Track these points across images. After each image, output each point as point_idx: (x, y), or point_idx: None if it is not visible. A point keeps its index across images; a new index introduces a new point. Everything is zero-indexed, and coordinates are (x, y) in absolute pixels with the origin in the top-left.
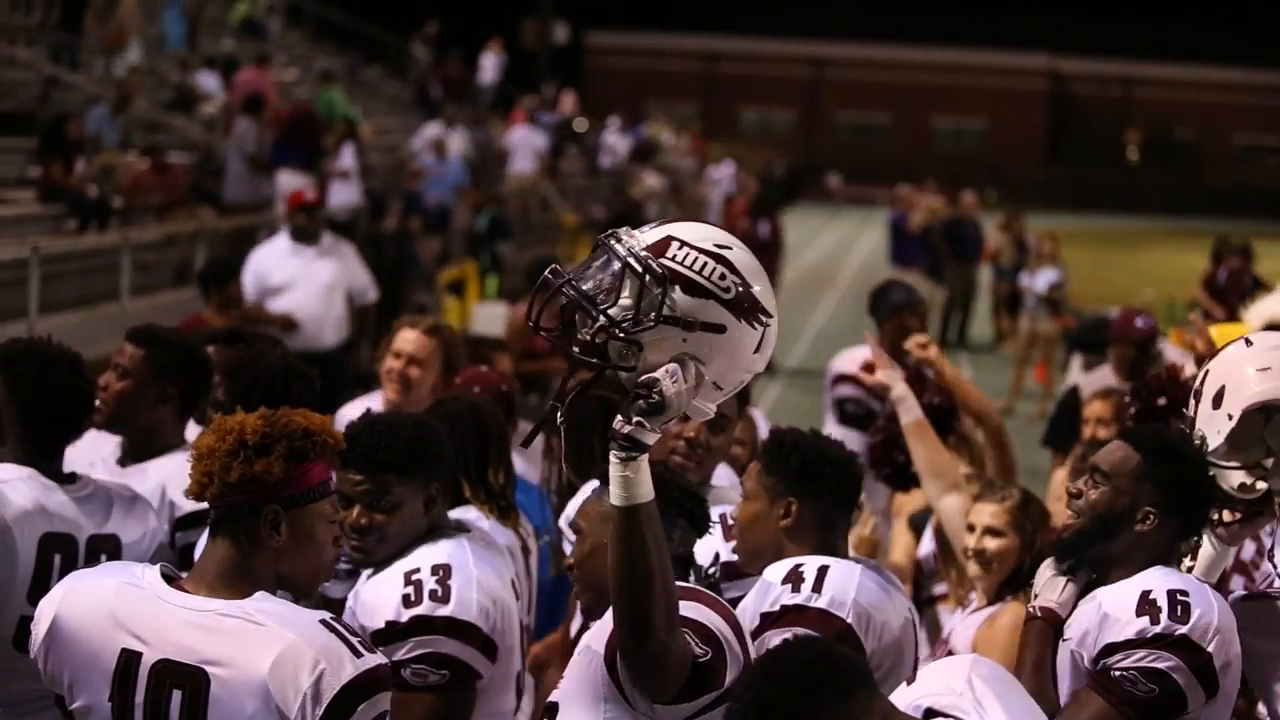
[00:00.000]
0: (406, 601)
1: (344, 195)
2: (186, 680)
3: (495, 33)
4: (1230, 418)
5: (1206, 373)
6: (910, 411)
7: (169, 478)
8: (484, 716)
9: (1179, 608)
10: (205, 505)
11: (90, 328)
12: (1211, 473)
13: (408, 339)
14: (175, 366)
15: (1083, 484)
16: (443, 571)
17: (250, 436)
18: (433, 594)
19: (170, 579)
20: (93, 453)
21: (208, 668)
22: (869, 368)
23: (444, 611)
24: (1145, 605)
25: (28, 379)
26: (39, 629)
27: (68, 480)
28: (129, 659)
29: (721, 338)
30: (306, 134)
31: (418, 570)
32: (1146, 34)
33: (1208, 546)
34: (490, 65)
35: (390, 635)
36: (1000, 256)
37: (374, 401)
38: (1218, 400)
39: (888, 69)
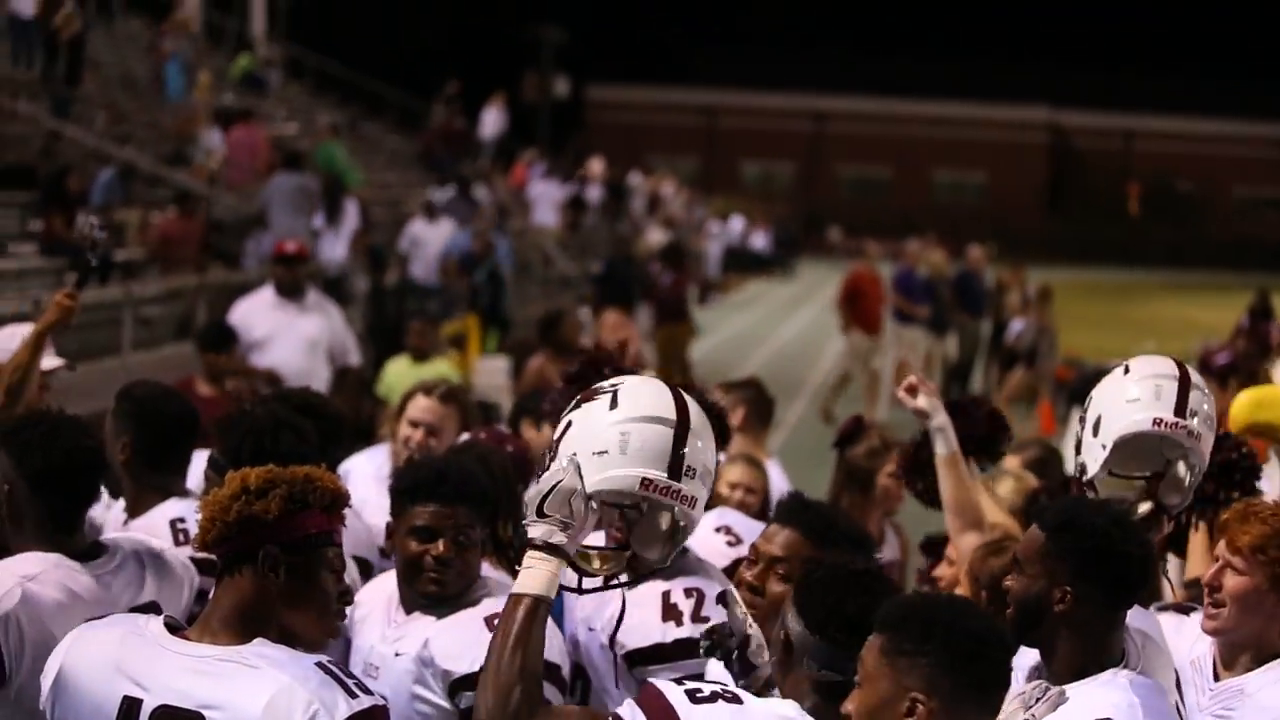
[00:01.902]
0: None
1: (331, 251)
2: None
3: (498, 87)
4: (1104, 448)
5: (1091, 399)
6: (947, 444)
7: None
8: None
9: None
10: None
11: (92, 382)
12: (1098, 496)
13: (423, 407)
14: (132, 418)
15: (1010, 579)
16: None
17: (252, 481)
18: None
19: (174, 629)
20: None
21: (205, 711)
22: (911, 389)
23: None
24: None
25: (33, 447)
26: (47, 680)
27: (93, 553)
28: (130, 705)
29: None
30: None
31: (498, 615)
32: (1147, 87)
33: None
34: (492, 120)
35: None
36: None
37: (381, 455)
38: (1096, 429)
39: (888, 122)
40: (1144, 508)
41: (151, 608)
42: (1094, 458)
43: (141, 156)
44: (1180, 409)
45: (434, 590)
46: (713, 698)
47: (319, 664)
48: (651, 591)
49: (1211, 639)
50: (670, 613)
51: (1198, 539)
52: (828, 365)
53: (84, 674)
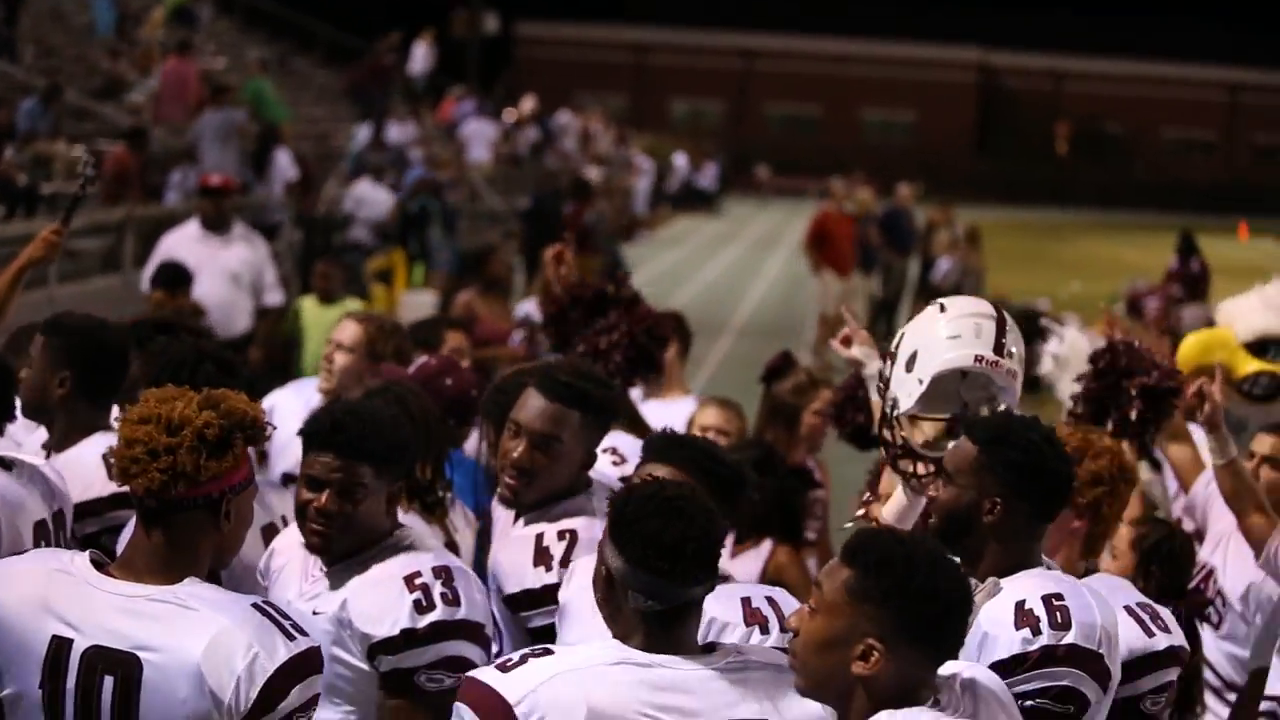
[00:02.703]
0: (419, 608)
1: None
2: (118, 666)
3: (427, 23)
4: (920, 382)
5: (903, 335)
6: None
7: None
8: None
9: (1058, 614)
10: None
11: (19, 315)
12: (903, 431)
13: (343, 327)
14: (71, 352)
15: (937, 487)
16: (445, 574)
17: (209, 431)
18: (444, 597)
19: (99, 565)
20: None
21: (140, 653)
22: (846, 340)
23: (460, 615)
24: (1022, 616)
25: None
26: None
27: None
28: (59, 646)
29: None
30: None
31: (419, 574)
32: (1078, 28)
33: (900, 496)
34: (421, 55)
35: (411, 643)
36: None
37: (308, 388)
38: (910, 364)
39: (818, 61)
40: (951, 445)
41: (59, 517)
42: (907, 392)
43: (70, 91)
44: (999, 348)
45: (315, 542)
46: (522, 660)
47: (255, 605)
48: (528, 533)
49: None
50: (541, 557)
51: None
52: (753, 304)
53: (8, 612)
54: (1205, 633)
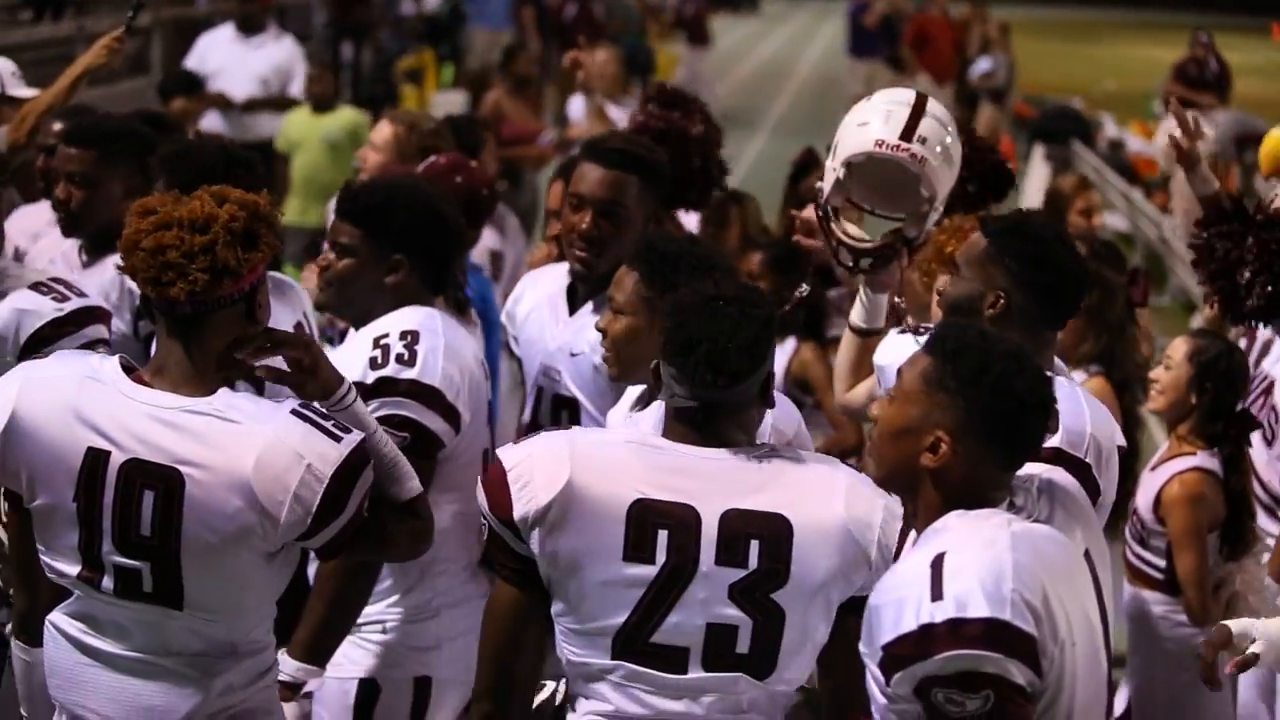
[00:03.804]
0: (373, 364)
1: None
2: (159, 481)
3: None
4: (834, 170)
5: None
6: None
7: None
8: (449, 490)
9: None
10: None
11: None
12: (834, 223)
13: (377, 128)
14: (130, 157)
15: (946, 280)
16: (410, 337)
17: (235, 224)
18: (399, 357)
19: (129, 370)
20: (54, 249)
21: (181, 468)
22: (809, 232)
23: (408, 375)
24: None
25: None
26: None
27: None
28: (95, 458)
29: None
30: None
31: (386, 335)
32: None
33: (864, 297)
34: None
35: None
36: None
37: None
38: (833, 154)
39: None
40: (882, 236)
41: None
42: (828, 181)
43: None
44: (908, 134)
45: (322, 299)
46: (537, 433)
47: (294, 411)
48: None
49: None
50: None
51: None
52: (786, 102)
53: (41, 421)
54: (1258, 448)
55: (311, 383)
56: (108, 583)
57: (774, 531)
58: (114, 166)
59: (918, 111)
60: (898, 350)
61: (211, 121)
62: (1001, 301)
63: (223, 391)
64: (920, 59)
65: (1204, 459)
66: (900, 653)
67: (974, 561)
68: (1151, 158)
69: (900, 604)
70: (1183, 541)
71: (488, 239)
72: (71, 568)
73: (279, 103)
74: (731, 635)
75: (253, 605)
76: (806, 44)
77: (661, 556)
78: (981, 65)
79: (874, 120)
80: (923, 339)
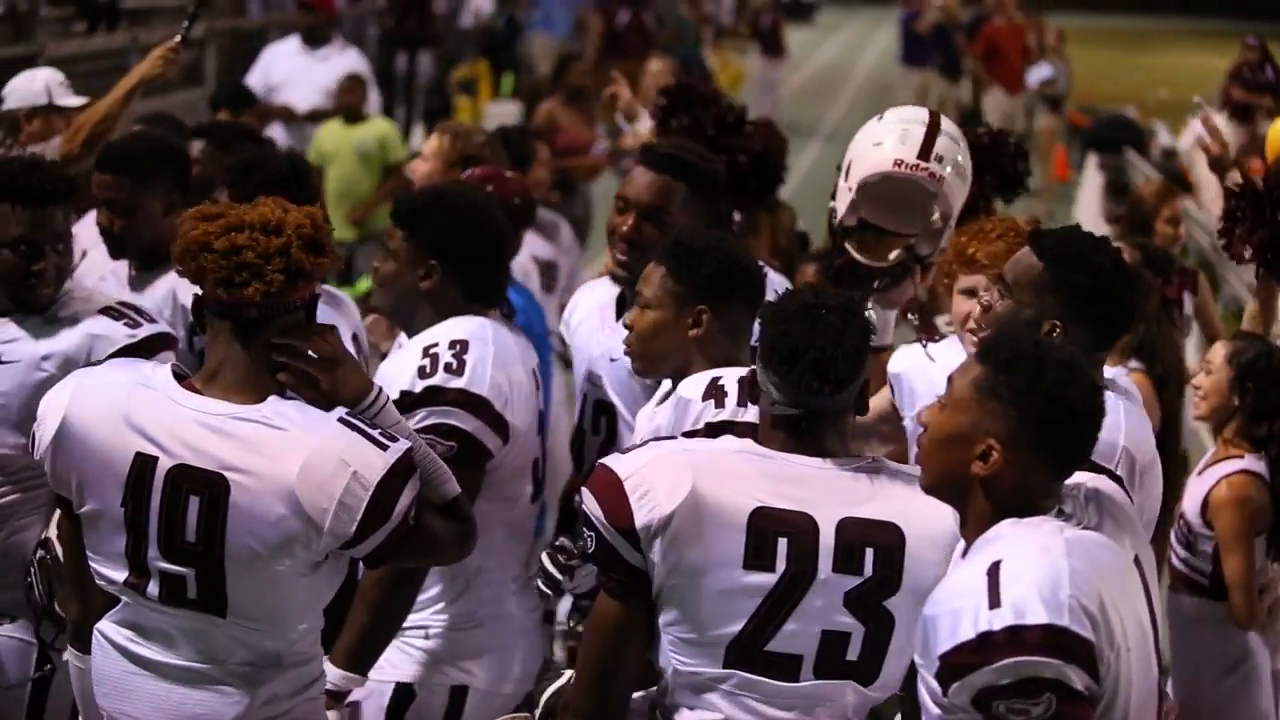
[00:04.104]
0: (421, 372)
1: None
2: (205, 486)
3: None
4: (850, 190)
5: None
6: None
7: (178, 283)
8: (497, 500)
9: None
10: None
11: None
12: (847, 242)
13: (429, 140)
14: (165, 174)
15: (994, 295)
16: (459, 346)
17: (304, 231)
18: (447, 366)
19: (180, 378)
20: (103, 266)
21: (227, 474)
22: None
23: (456, 384)
24: None
25: None
26: (46, 428)
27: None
28: (144, 463)
29: None
30: None
31: (436, 344)
32: None
33: (872, 314)
34: None
35: (403, 405)
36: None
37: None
38: (846, 173)
39: None
40: (894, 255)
41: None
42: (842, 201)
43: None
44: (925, 153)
45: (379, 303)
46: (644, 444)
47: (342, 419)
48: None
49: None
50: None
51: None
52: (842, 110)
53: (92, 426)
54: None
55: (329, 398)
56: (153, 589)
57: (887, 540)
58: (150, 187)
59: (933, 130)
60: (910, 358)
61: (275, 133)
62: (1058, 331)
63: (273, 399)
64: (989, 70)
65: (1251, 462)
66: (958, 662)
67: (1031, 568)
68: None
69: (957, 613)
70: (1231, 544)
71: (541, 249)
72: (119, 573)
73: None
74: (844, 643)
75: (297, 615)
76: (861, 52)
77: (781, 564)
78: (1041, 72)
79: (889, 139)
80: (934, 348)
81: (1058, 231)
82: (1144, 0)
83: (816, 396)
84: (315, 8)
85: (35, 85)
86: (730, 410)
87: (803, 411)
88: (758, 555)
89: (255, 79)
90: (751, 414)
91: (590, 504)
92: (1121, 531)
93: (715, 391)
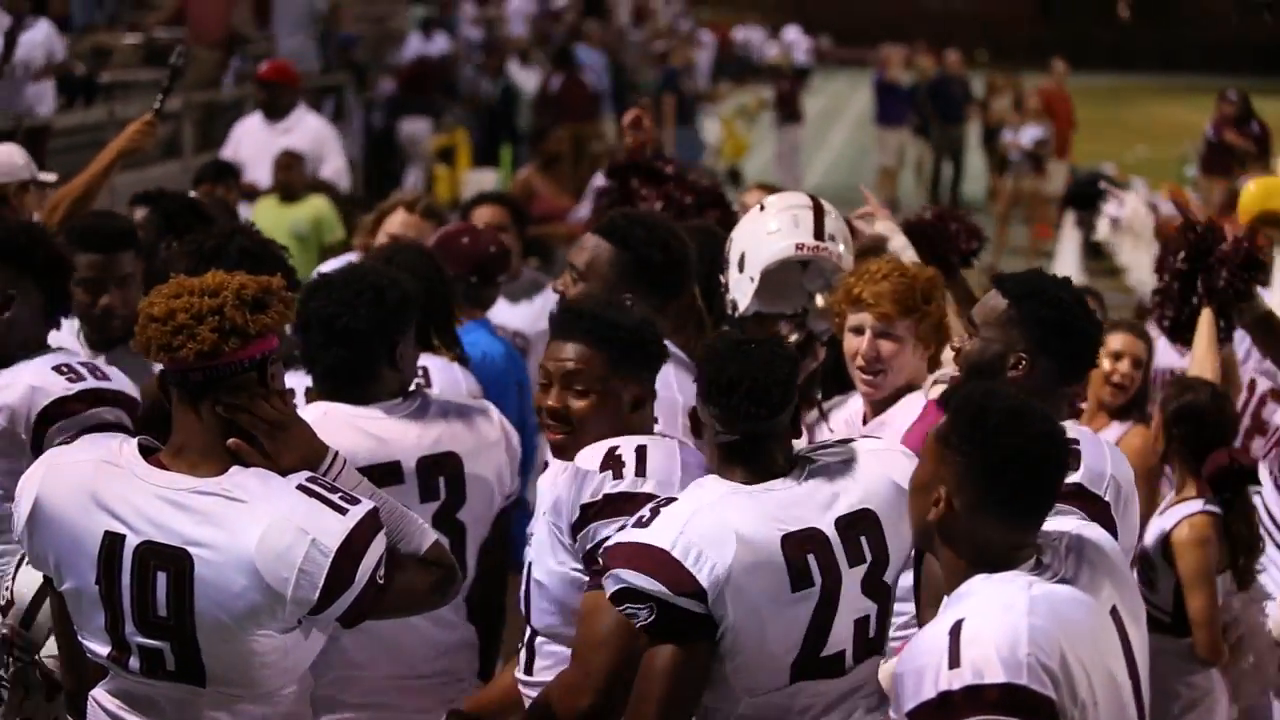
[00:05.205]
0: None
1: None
2: (170, 562)
3: None
4: (752, 280)
5: (732, 238)
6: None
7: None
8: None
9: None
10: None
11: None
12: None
13: (401, 222)
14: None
15: (963, 339)
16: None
17: (246, 291)
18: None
19: (148, 452)
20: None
21: (190, 549)
22: (866, 215)
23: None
24: None
25: None
26: (21, 509)
27: None
28: (112, 541)
29: None
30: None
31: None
32: None
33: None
34: None
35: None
36: (997, 119)
37: None
38: (741, 265)
39: None
40: (794, 337)
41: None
42: (743, 292)
43: None
44: (819, 233)
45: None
46: (653, 513)
47: (301, 486)
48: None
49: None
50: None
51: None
52: (818, 175)
53: (61, 506)
54: (1269, 491)
55: (282, 463)
56: (134, 662)
57: (870, 524)
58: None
59: (819, 211)
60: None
61: (243, 211)
62: (1024, 363)
63: (234, 469)
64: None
65: (1209, 504)
66: None
67: (990, 628)
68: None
69: (921, 672)
70: (1194, 583)
71: (511, 316)
72: (103, 648)
73: (312, 187)
74: (867, 625)
75: (278, 679)
76: (836, 117)
77: (818, 578)
78: (1031, 133)
79: (784, 226)
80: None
81: (1020, 273)
82: (1121, 57)
83: (755, 421)
84: (274, 83)
85: (16, 159)
86: (629, 481)
87: (744, 436)
88: (799, 577)
89: (227, 155)
90: (650, 484)
91: (644, 581)
92: (1101, 580)
93: (612, 462)
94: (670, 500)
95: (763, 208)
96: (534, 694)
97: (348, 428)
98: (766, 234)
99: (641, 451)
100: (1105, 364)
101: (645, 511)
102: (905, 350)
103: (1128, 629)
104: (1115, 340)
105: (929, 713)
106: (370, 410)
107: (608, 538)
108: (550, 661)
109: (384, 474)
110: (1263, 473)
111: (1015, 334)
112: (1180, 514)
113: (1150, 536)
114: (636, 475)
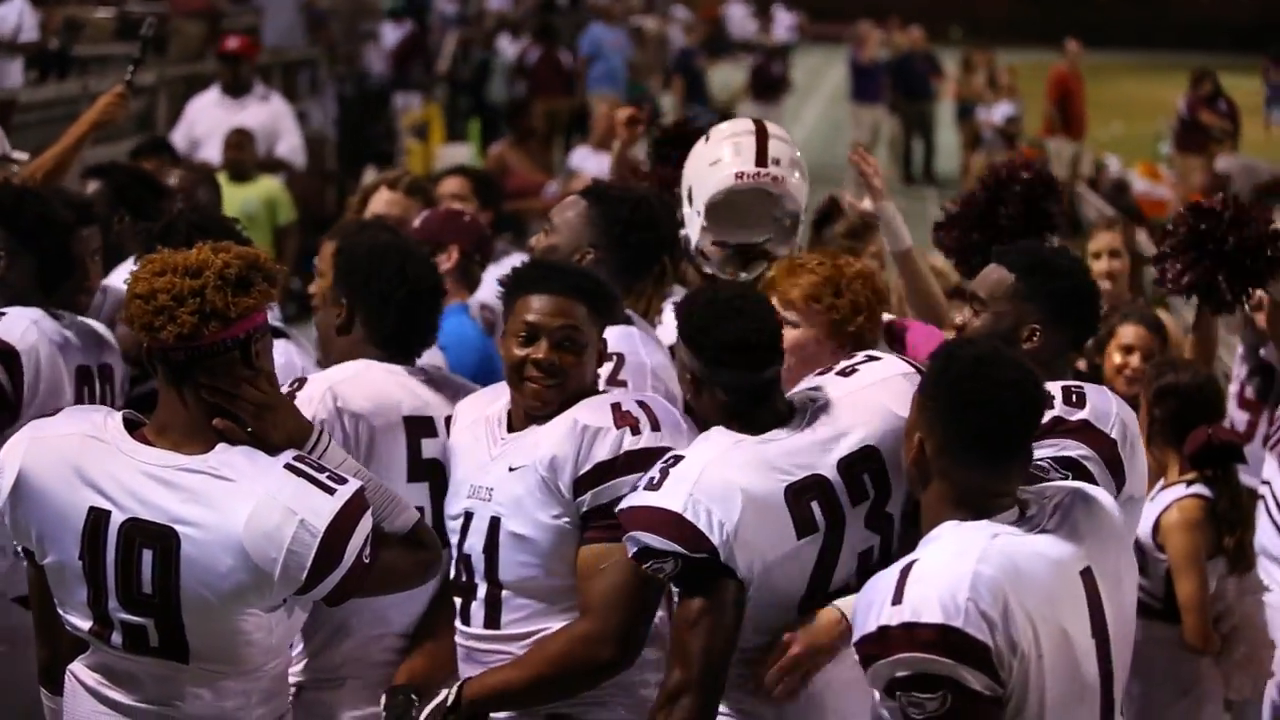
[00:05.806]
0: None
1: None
2: (156, 540)
3: None
4: (699, 214)
5: (683, 174)
6: (898, 239)
7: None
8: None
9: (1074, 396)
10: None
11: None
12: (708, 269)
13: (386, 200)
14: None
15: (966, 314)
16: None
17: (229, 271)
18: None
19: (133, 426)
20: None
21: (177, 526)
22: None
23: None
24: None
25: None
26: (3, 482)
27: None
28: (97, 518)
29: None
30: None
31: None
32: None
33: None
34: None
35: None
36: (969, 94)
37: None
38: (690, 199)
39: None
40: (759, 268)
41: (105, 371)
42: (694, 227)
43: None
44: (761, 159)
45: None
46: (663, 474)
47: (288, 465)
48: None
49: None
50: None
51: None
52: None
53: (45, 480)
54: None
55: (268, 442)
56: (117, 638)
57: (873, 461)
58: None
59: (762, 136)
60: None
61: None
62: (1037, 335)
63: (221, 447)
64: (1061, 117)
65: (1199, 486)
66: (863, 652)
67: (936, 570)
68: (1159, 199)
69: (869, 606)
70: (1182, 567)
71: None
72: (84, 622)
73: (265, 165)
74: (870, 556)
75: (262, 656)
76: (810, 93)
77: (821, 522)
78: (1005, 109)
79: (724, 155)
80: None
81: (1019, 246)
82: (1096, 34)
83: (760, 373)
84: (235, 56)
85: None
86: (648, 436)
87: (747, 390)
88: (804, 525)
89: (179, 134)
90: (666, 437)
91: (660, 542)
92: (1079, 539)
93: (624, 418)
94: (678, 459)
95: (707, 139)
96: (503, 648)
97: (395, 385)
98: (708, 165)
99: (644, 406)
100: (1116, 358)
101: (655, 472)
102: (809, 342)
103: (1101, 592)
104: (1126, 334)
105: (868, 644)
106: (404, 368)
107: (624, 495)
108: (522, 614)
109: (422, 426)
110: (1270, 464)
111: (1027, 307)
112: (1171, 497)
113: (1141, 521)
114: (653, 430)
